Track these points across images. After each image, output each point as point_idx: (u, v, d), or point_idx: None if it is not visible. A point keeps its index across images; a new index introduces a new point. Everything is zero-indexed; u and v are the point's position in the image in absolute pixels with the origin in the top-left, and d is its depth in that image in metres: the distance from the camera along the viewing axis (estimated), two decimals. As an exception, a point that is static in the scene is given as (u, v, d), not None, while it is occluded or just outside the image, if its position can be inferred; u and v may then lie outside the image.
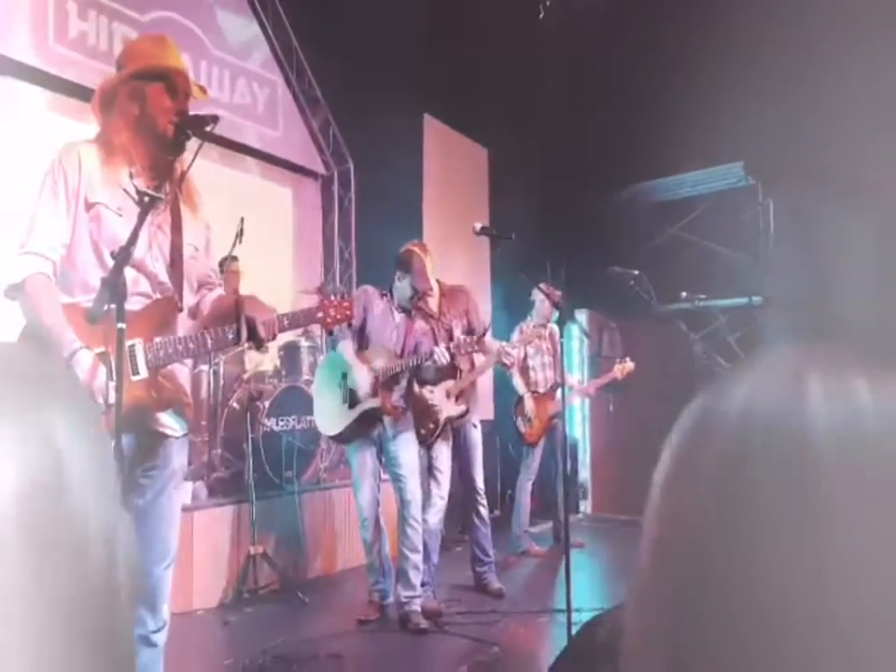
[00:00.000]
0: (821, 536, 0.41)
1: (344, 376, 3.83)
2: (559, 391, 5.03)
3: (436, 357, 3.80)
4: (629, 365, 5.39)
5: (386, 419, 3.84)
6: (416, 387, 4.08)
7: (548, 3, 7.19)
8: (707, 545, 0.44)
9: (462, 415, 4.31)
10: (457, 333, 4.27)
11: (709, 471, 0.45)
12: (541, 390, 5.36)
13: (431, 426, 4.16)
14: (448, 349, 3.82)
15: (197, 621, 3.86)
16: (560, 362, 3.58)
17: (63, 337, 1.94)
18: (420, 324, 4.05)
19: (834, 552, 0.41)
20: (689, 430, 0.49)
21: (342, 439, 3.96)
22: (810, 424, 0.43)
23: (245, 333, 2.14)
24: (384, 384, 3.80)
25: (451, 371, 4.19)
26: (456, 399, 4.26)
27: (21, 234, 2.06)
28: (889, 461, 0.42)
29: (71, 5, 4.84)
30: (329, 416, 3.87)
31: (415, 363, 3.84)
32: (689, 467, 0.47)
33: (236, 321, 2.15)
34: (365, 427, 3.83)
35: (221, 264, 5.02)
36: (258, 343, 2.19)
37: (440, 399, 4.18)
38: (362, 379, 3.76)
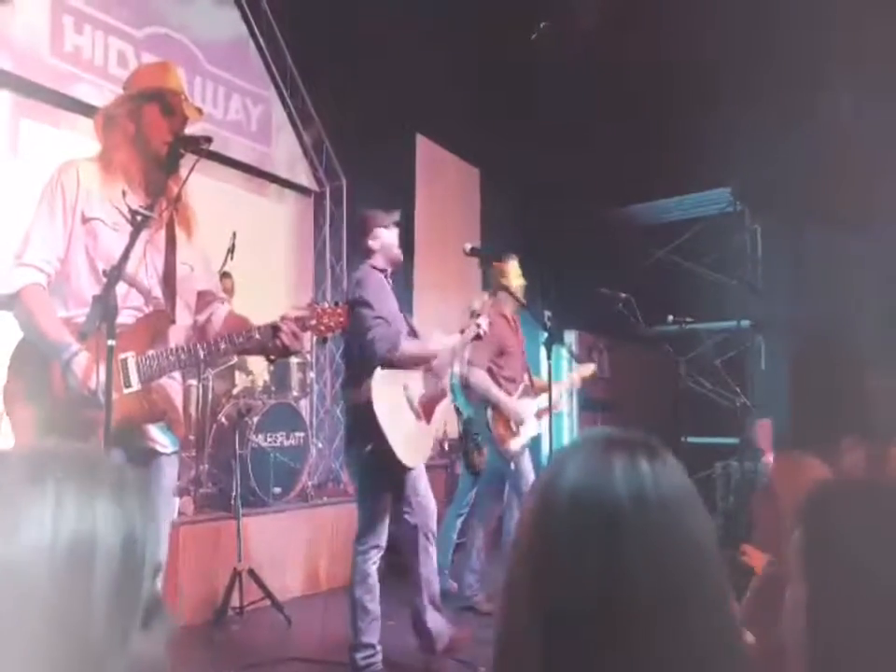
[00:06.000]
0: (624, 569, 0.65)
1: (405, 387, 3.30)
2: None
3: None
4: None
5: None
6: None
7: (542, 25, 7.28)
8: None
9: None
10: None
11: (552, 530, 0.69)
12: None
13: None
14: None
15: (182, 637, 3.81)
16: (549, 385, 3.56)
17: (62, 341, 1.96)
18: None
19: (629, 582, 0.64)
20: (538, 501, 0.72)
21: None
22: (615, 492, 0.68)
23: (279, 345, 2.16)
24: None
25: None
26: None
27: (17, 247, 2.08)
28: (663, 510, 0.67)
29: (67, 19, 4.86)
30: (411, 441, 3.21)
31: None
32: (542, 529, 0.70)
33: (256, 333, 2.16)
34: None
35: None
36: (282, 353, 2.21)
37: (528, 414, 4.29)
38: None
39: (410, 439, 3.18)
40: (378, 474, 3.21)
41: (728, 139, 5.28)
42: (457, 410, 4.83)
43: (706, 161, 5.90)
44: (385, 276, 3.37)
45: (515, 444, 4.25)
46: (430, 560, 3.30)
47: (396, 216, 3.42)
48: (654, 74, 6.25)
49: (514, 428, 4.26)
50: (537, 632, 0.66)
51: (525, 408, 4.32)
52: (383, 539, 3.26)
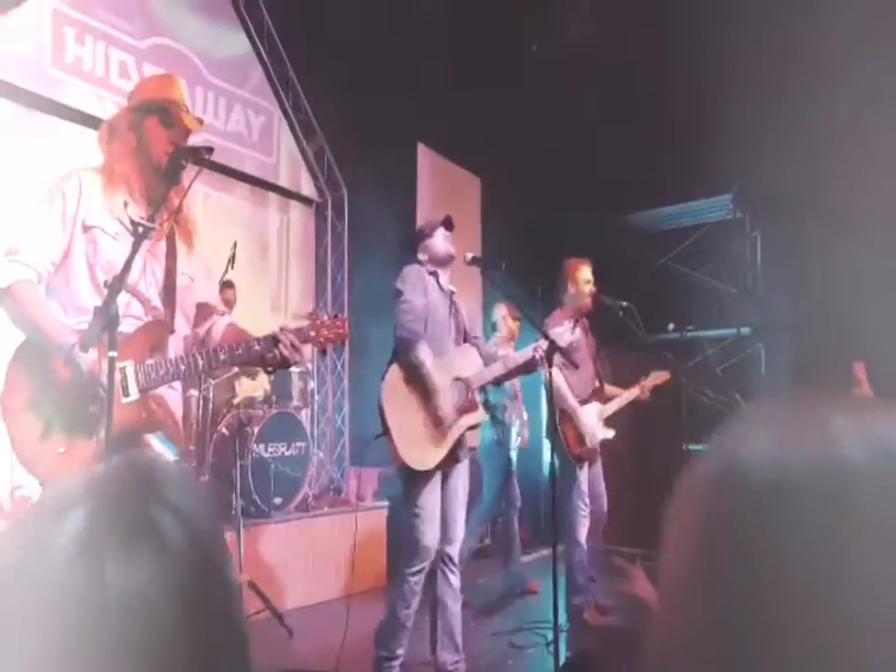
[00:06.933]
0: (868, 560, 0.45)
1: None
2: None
3: None
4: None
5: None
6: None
7: (536, 44, 7.32)
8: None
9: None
10: None
11: (745, 520, 0.48)
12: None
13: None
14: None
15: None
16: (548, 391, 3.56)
17: (62, 334, 1.97)
18: None
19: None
20: (717, 480, 0.51)
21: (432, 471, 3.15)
22: (841, 451, 0.46)
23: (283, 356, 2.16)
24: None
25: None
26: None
27: (9, 244, 2.09)
28: None
29: (68, 30, 4.88)
30: (419, 443, 3.11)
31: None
32: (723, 515, 0.50)
33: (256, 345, 2.16)
34: (456, 450, 3.24)
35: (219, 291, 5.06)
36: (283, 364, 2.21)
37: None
38: None
39: (419, 440, 3.09)
40: (409, 483, 3.15)
41: (728, 146, 5.28)
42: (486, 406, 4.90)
43: (706, 169, 5.91)
44: (436, 278, 3.36)
45: (580, 447, 4.27)
46: (450, 590, 3.21)
47: (441, 219, 3.45)
48: (655, 81, 6.26)
49: (582, 436, 4.28)
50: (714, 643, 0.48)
51: (591, 415, 4.34)
52: (425, 545, 3.12)
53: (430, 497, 3.12)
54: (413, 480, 3.12)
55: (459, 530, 3.26)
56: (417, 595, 3.12)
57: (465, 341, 3.41)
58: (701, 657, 0.49)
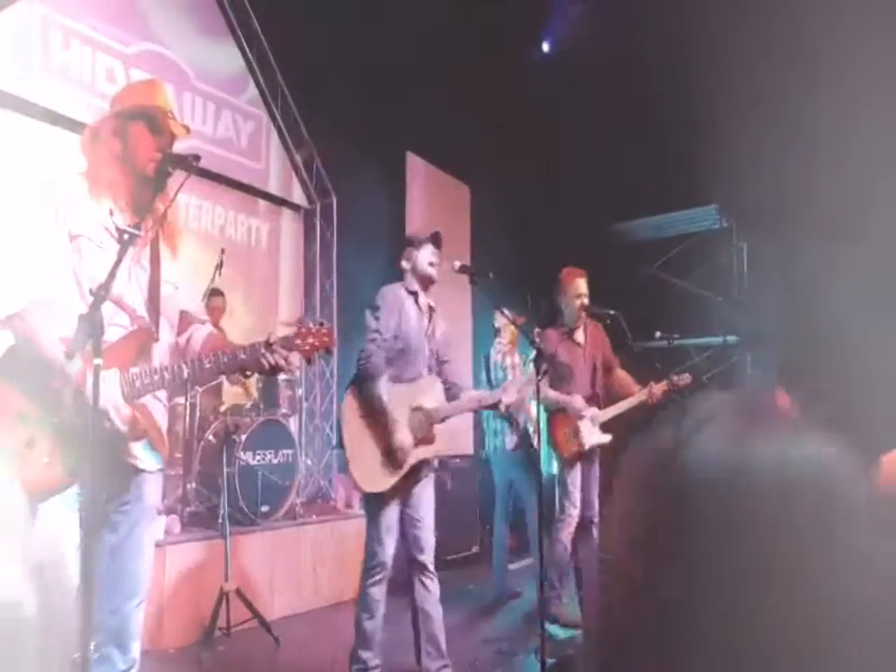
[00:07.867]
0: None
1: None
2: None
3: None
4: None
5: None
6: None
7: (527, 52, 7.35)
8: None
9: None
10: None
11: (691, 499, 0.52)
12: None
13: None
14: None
15: (168, 659, 3.77)
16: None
17: (58, 353, 1.96)
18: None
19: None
20: (665, 460, 0.56)
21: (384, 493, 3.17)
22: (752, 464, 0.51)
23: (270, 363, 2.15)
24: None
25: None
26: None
27: (8, 260, 2.07)
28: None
29: (55, 35, 4.87)
30: (373, 466, 3.13)
31: None
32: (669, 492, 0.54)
33: (242, 353, 2.15)
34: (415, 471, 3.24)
35: (207, 299, 5.04)
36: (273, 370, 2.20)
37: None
38: None
39: (371, 465, 3.12)
40: (367, 500, 3.20)
41: (715, 156, 5.32)
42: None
43: (693, 179, 5.95)
44: (416, 299, 3.33)
45: (570, 450, 4.26)
46: (429, 597, 3.21)
47: (429, 234, 3.37)
48: (642, 92, 6.30)
49: (570, 434, 4.27)
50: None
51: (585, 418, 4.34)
52: (380, 558, 3.15)
53: (387, 515, 3.15)
54: (371, 498, 3.17)
55: (430, 539, 3.27)
56: (380, 604, 3.16)
57: (437, 362, 3.40)
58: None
